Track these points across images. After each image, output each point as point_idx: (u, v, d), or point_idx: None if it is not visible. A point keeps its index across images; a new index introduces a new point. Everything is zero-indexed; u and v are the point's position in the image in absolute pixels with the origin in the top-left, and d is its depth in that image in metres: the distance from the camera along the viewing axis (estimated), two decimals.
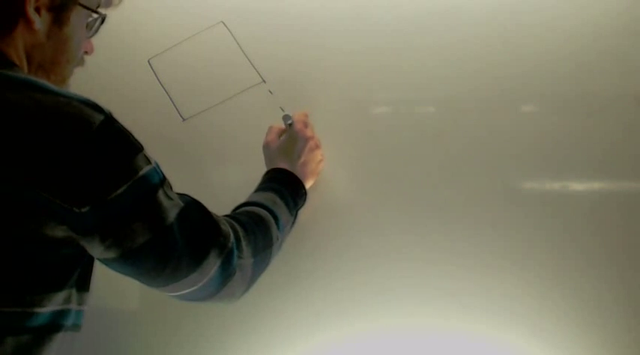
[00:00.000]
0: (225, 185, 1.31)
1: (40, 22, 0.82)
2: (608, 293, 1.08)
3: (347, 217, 1.23)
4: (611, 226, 1.10)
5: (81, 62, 0.94)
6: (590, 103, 1.16)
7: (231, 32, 1.35)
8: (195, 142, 1.32)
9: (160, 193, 0.79)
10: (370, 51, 1.28)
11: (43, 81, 0.77)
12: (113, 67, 1.37)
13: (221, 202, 1.29)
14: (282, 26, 1.34)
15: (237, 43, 1.34)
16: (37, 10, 0.82)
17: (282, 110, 1.25)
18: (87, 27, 0.91)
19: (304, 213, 1.20)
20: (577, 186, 1.14)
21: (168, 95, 1.35)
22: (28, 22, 0.81)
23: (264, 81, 1.32)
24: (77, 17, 0.87)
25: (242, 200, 1.21)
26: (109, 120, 0.75)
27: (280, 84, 1.31)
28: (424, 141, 1.22)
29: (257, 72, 1.32)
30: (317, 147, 1.18)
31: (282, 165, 1.13)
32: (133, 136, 0.79)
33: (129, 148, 0.77)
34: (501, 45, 1.22)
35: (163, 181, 0.82)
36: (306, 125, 1.18)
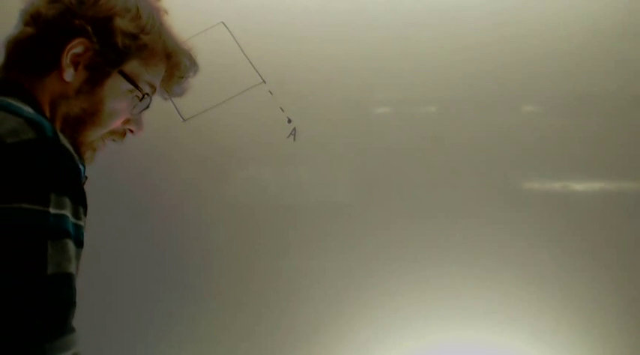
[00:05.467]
0: (225, 185, 1.31)
1: (72, 76, 0.82)
2: (609, 294, 1.08)
3: (347, 217, 1.23)
4: (612, 226, 1.10)
5: (118, 135, 0.92)
6: (590, 103, 1.16)
7: (231, 32, 1.35)
8: (196, 142, 1.32)
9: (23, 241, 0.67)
10: (370, 51, 1.28)
11: (19, 104, 0.75)
12: None
13: (222, 202, 1.29)
14: (282, 26, 1.33)
15: (237, 43, 1.34)
16: (75, 64, 0.83)
17: (282, 110, 1.26)
18: (132, 101, 0.89)
19: (304, 213, 1.20)
20: (577, 186, 1.14)
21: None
22: (61, 72, 0.82)
23: (264, 81, 1.32)
24: (115, 85, 0.86)
25: (242, 199, 1.22)
26: (36, 142, 0.69)
27: (280, 84, 1.31)
28: (424, 142, 1.22)
29: (257, 72, 1.32)
30: None
31: None
32: (56, 173, 0.70)
33: (30, 176, 0.68)
34: (502, 46, 1.22)
35: (46, 234, 0.68)
36: None
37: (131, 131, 0.93)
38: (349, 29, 1.30)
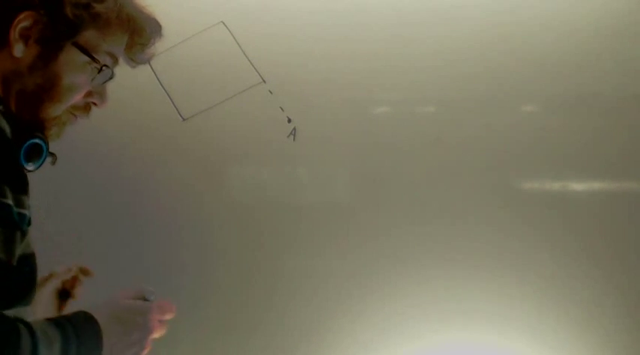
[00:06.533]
0: (225, 184, 1.31)
1: (22, 51, 0.79)
2: (609, 294, 1.08)
3: (346, 217, 1.23)
4: (612, 226, 1.11)
5: (81, 110, 0.89)
6: (590, 103, 1.16)
7: (231, 32, 1.35)
8: (195, 142, 1.32)
9: None
10: (370, 51, 1.28)
11: None
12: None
13: (221, 201, 1.29)
14: (282, 26, 1.34)
15: (237, 43, 1.34)
16: (25, 38, 0.80)
17: (282, 110, 1.26)
18: (90, 73, 0.85)
19: (304, 212, 1.20)
20: (577, 186, 1.14)
21: (168, 95, 1.35)
22: (10, 47, 0.79)
23: (264, 81, 1.32)
24: (70, 58, 0.83)
25: (242, 199, 1.22)
26: None
27: (280, 84, 1.31)
28: (424, 141, 1.22)
29: (257, 72, 1.32)
30: (145, 348, 0.88)
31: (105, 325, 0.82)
32: None
33: None
34: (501, 45, 1.22)
35: None
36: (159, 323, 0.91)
37: (95, 104, 0.90)
38: (349, 29, 1.30)
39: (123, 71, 1.40)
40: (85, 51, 0.83)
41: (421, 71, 1.25)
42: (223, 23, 1.36)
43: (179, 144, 1.33)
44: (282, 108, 1.27)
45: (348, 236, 1.21)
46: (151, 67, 1.37)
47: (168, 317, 0.91)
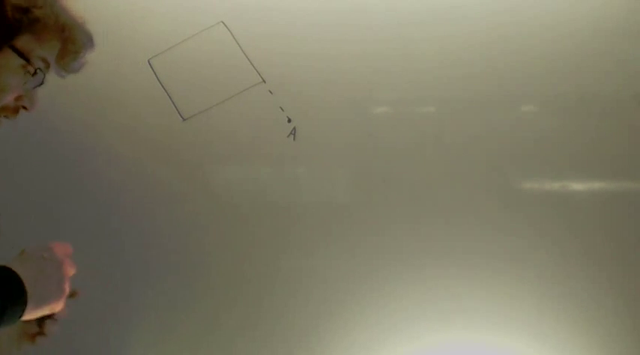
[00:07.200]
0: (224, 184, 1.31)
1: None
2: (609, 294, 1.08)
3: (346, 217, 1.23)
4: (611, 226, 1.10)
5: (10, 112, 0.91)
6: (590, 103, 1.16)
7: (231, 32, 1.35)
8: (195, 142, 1.32)
9: None
10: (370, 51, 1.28)
11: None
12: (113, 67, 1.36)
13: (221, 202, 1.29)
14: (282, 26, 1.34)
15: (237, 43, 1.34)
16: None
17: (282, 110, 1.26)
18: (24, 77, 0.87)
19: (304, 212, 1.20)
20: (577, 186, 1.14)
21: (168, 95, 1.35)
22: None
23: (264, 81, 1.32)
24: (5, 60, 0.85)
25: (242, 199, 1.22)
26: None
27: (280, 84, 1.31)
28: (424, 141, 1.22)
29: (257, 72, 1.32)
30: (65, 282, 0.89)
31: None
32: None
33: None
34: (502, 45, 1.22)
35: None
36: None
37: (24, 108, 0.91)
38: (349, 29, 1.30)
39: (123, 71, 1.41)
40: (21, 54, 0.85)
41: (421, 71, 1.25)
42: (223, 23, 1.36)
43: (179, 144, 1.33)
44: (282, 108, 1.27)
45: (348, 236, 1.21)
46: (151, 67, 1.37)
47: (68, 252, 0.92)
